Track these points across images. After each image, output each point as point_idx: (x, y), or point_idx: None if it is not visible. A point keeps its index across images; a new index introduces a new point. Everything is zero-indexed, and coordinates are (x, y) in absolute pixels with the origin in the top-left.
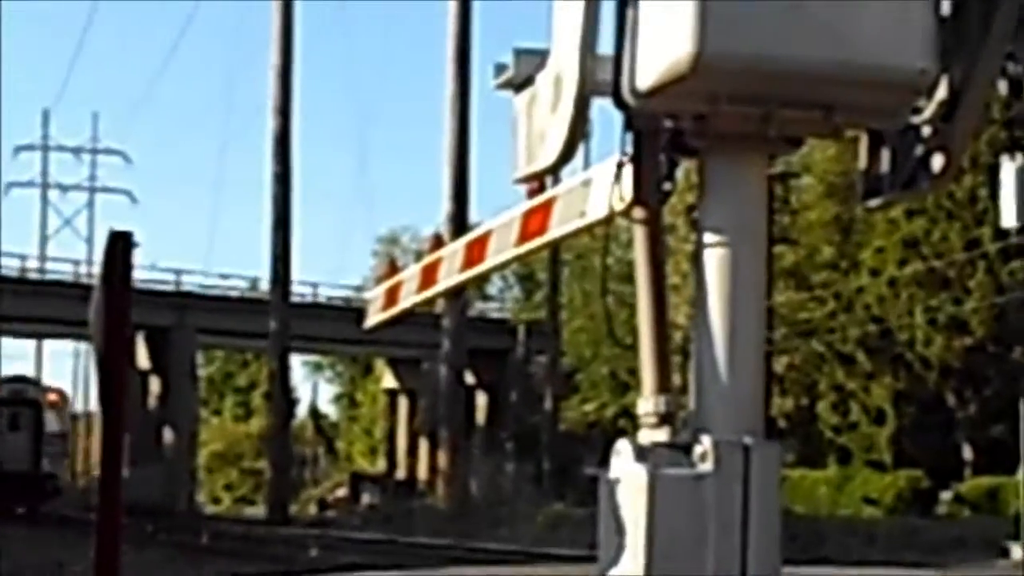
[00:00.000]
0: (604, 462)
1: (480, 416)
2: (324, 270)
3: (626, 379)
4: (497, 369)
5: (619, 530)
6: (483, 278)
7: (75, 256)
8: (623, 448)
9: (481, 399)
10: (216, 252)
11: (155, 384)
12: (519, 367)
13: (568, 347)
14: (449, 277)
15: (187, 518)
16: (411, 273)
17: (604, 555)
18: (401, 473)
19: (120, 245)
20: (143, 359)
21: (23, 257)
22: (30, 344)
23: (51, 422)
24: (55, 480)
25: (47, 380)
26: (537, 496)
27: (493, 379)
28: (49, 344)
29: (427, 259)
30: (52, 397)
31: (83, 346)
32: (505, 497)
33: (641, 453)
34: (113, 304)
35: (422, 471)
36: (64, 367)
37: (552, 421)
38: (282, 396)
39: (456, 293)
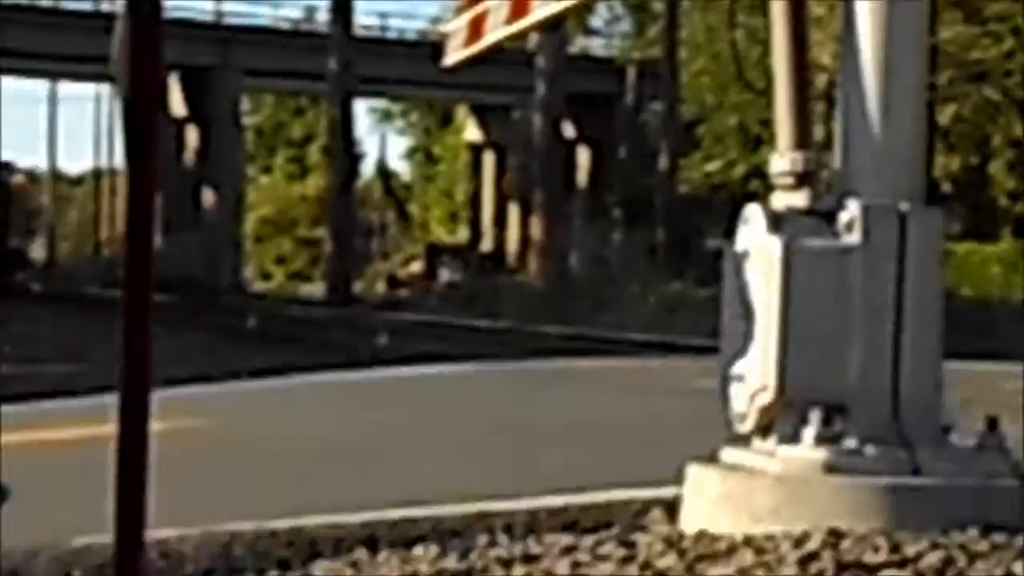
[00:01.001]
0: (730, 232)
1: (582, 176)
2: None
3: (758, 132)
4: (602, 119)
5: (747, 314)
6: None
7: None
8: (753, 215)
9: (583, 155)
10: None
11: (192, 135)
12: (629, 117)
13: (688, 93)
14: (545, 4)
15: (231, 296)
16: (499, 1)
17: (728, 344)
18: (486, 245)
19: None
20: (178, 105)
21: None
22: (42, 86)
23: (17, 204)
24: (21, 254)
25: (63, 126)
26: (649, 273)
27: (597, 131)
28: (65, 86)
29: None
30: (18, 179)
31: (105, 88)
32: (611, 274)
33: (775, 221)
34: (141, 37)
35: (511, 242)
36: (83, 113)
37: (668, 183)
38: (344, 150)
39: (554, 25)
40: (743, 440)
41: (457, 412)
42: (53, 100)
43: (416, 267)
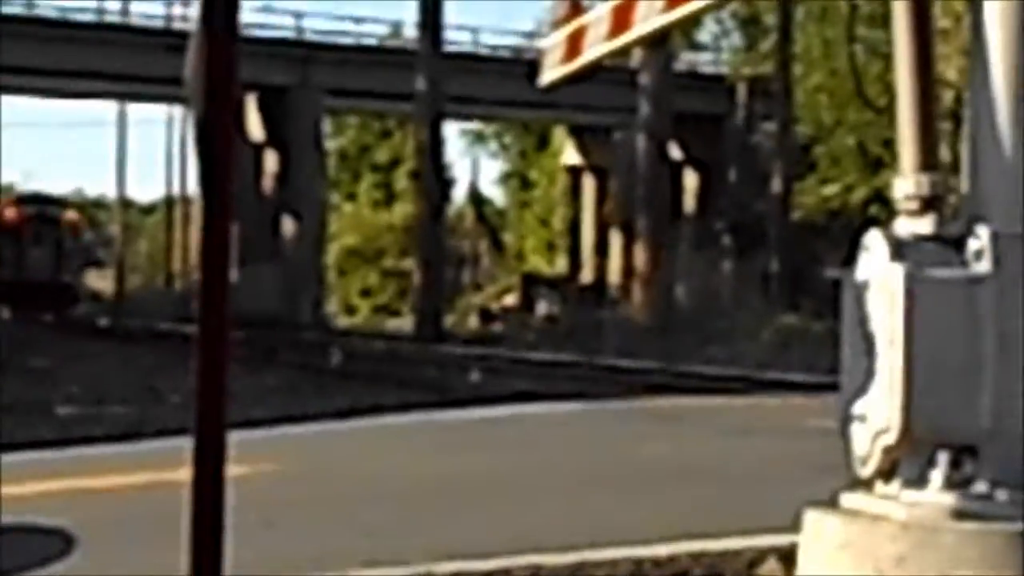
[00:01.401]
0: (849, 261)
1: (688, 201)
2: (488, 12)
3: (878, 153)
4: (711, 140)
5: (868, 349)
6: (693, 20)
7: None
8: (874, 242)
9: (690, 179)
10: None
11: (271, 160)
12: (739, 137)
13: (803, 111)
14: (649, 18)
15: (313, 332)
16: (599, 14)
17: (848, 381)
18: (586, 275)
19: None
20: (256, 128)
21: None
22: (110, 108)
23: (68, 239)
24: (72, 289)
25: (133, 152)
26: (762, 305)
27: (705, 153)
28: (135, 108)
29: None
30: (70, 215)
31: (177, 110)
32: (721, 306)
33: (898, 249)
34: (215, 56)
35: (613, 273)
36: (153, 137)
37: (782, 208)
38: (433, 175)
39: (658, 40)
40: (865, 484)
41: (557, 454)
42: (122, 123)
43: (511, 300)
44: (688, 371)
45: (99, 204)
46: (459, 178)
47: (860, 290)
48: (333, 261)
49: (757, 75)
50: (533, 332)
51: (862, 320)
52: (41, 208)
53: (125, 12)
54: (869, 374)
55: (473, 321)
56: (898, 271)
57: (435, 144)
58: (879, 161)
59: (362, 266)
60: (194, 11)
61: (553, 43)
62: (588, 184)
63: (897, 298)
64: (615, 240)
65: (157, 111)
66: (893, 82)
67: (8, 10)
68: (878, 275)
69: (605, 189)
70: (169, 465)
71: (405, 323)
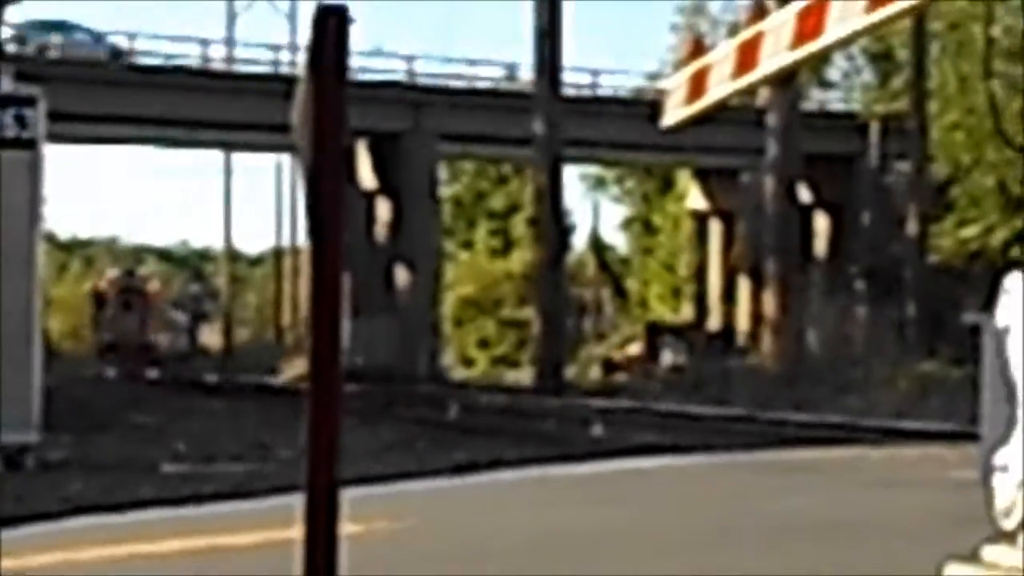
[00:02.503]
0: (989, 305)
1: (820, 245)
2: (607, 52)
3: (1020, 193)
4: (842, 181)
5: (1010, 396)
6: (822, 57)
7: (273, 40)
8: (1015, 285)
9: (821, 222)
10: (460, 31)
11: (384, 208)
12: (872, 178)
13: (939, 150)
14: (775, 57)
15: (429, 385)
16: (724, 53)
17: (990, 430)
18: (714, 323)
19: (332, 23)
20: (367, 175)
21: (206, 42)
22: (215, 157)
23: (149, 307)
24: (150, 348)
25: (240, 202)
26: (898, 352)
27: (837, 195)
28: (241, 157)
29: (745, 33)
30: (153, 286)
31: (285, 158)
32: (855, 354)
33: None
34: (324, 102)
35: (742, 320)
36: (261, 185)
37: (918, 251)
38: (553, 221)
39: (785, 79)
40: (1007, 537)
41: (683, 508)
42: (228, 172)
43: (635, 349)
44: (822, 421)
45: (205, 256)
46: (579, 224)
47: (1000, 335)
48: (449, 311)
49: (890, 113)
50: (658, 382)
51: (1003, 366)
52: (130, 280)
53: (230, 59)
54: (1011, 422)
55: (596, 372)
56: None
57: (554, 189)
58: (1020, 201)
59: (479, 316)
60: (302, 56)
61: (676, 83)
62: (714, 228)
63: None
64: (743, 286)
65: (265, 159)
66: None
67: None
68: (1019, 319)
69: (732, 234)
70: (281, 524)
71: (524, 375)
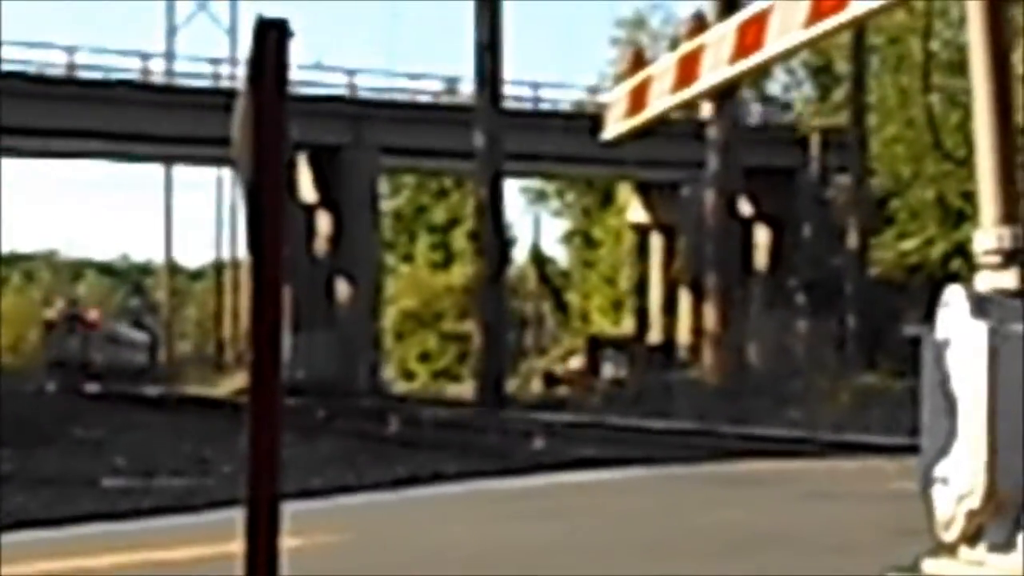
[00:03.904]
0: (929, 318)
1: (760, 258)
2: (548, 66)
3: (959, 206)
4: (783, 194)
5: (950, 409)
6: (762, 71)
7: (214, 54)
8: (955, 298)
9: (761, 235)
10: (401, 45)
11: (324, 221)
12: (812, 191)
13: (879, 163)
14: (716, 70)
15: (370, 399)
16: (664, 66)
17: (930, 442)
18: (655, 336)
19: (272, 36)
20: (308, 188)
21: (146, 56)
22: (156, 171)
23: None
24: (89, 365)
25: (178, 216)
26: (839, 365)
27: (777, 208)
28: (181, 170)
29: (686, 47)
30: (93, 315)
31: (225, 172)
32: (795, 367)
33: (980, 305)
34: (264, 116)
35: (682, 333)
36: (201, 198)
37: (858, 264)
38: (494, 235)
39: (726, 93)
40: (948, 549)
41: (623, 521)
42: (168, 186)
43: (576, 362)
44: (762, 435)
45: (146, 270)
46: (520, 237)
47: (941, 348)
48: (390, 325)
49: (830, 126)
50: (599, 396)
51: (943, 379)
52: (72, 311)
53: (170, 72)
54: (951, 435)
55: (537, 385)
56: (980, 328)
57: (495, 203)
58: (959, 214)
59: (420, 330)
60: (242, 70)
61: (616, 97)
62: (655, 242)
63: (980, 356)
64: (684, 299)
65: (206, 173)
66: (972, 132)
67: (51, 72)
68: (959, 332)
69: (673, 247)
70: (221, 538)
71: (466, 388)
